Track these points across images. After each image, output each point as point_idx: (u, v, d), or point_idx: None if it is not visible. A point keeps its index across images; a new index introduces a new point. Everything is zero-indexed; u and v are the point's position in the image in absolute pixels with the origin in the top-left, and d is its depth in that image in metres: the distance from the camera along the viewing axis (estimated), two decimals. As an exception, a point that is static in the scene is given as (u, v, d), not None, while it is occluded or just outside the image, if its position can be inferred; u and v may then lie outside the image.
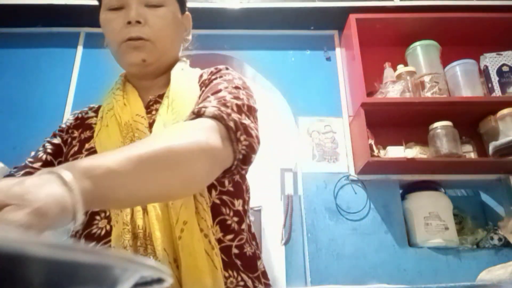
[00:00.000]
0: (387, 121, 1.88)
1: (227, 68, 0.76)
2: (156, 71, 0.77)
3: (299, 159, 1.90)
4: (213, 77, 0.73)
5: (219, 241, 0.64)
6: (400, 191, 1.87)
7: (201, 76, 0.77)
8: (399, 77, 1.90)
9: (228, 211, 0.67)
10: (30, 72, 2.05)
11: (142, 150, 0.48)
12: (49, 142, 0.77)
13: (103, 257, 0.18)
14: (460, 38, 2.06)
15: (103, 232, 0.62)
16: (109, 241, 0.61)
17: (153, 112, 0.73)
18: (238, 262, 0.65)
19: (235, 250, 0.66)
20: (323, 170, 1.87)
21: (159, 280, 0.24)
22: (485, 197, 1.96)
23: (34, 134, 1.88)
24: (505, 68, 1.89)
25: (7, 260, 0.15)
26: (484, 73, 1.94)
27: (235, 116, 0.60)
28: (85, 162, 0.44)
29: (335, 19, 2.08)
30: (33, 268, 0.16)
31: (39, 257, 0.15)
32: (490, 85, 1.89)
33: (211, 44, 2.09)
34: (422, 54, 1.94)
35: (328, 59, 2.13)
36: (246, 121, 0.61)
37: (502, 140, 1.71)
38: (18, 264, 0.15)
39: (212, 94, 0.65)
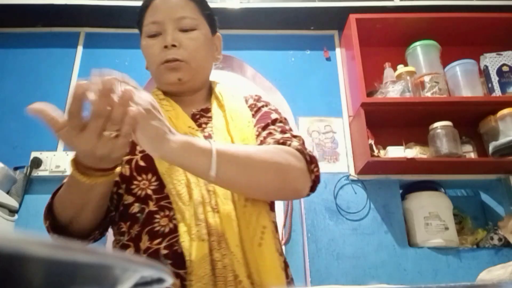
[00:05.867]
0: (387, 121, 1.88)
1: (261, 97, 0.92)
2: (192, 88, 0.85)
3: (299, 159, 1.90)
4: (259, 104, 0.87)
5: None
6: (400, 191, 1.87)
7: (246, 100, 0.89)
8: (399, 77, 1.90)
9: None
10: (30, 72, 2.05)
11: (252, 148, 0.68)
12: None
13: (103, 257, 0.18)
14: (460, 38, 2.06)
15: (166, 229, 0.69)
16: (175, 237, 0.68)
17: (203, 126, 0.81)
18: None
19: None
20: (323, 170, 1.86)
21: (159, 280, 0.24)
22: (485, 197, 1.96)
23: (34, 134, 1.90)
24: (505, 68, 1.89)
25: (7, 260, 0.15)
26: (484, 73, 1.94)
27: (308, 150, 0.75)
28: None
29: (335, 19, 2.08)
30: (33, 268, 0.16)
31: (39, 257, 0.15)
32: (490, 85, 1.89)
33: (211, 44, 2.08)
34: (422, 54, 1.94)
35: (328, 59, 2.13)
36: (313, 153, 0.76)
37: (502, 140, 1.71)
38: (18, 264, 0.15)
39: (272, 123, 0.81)
